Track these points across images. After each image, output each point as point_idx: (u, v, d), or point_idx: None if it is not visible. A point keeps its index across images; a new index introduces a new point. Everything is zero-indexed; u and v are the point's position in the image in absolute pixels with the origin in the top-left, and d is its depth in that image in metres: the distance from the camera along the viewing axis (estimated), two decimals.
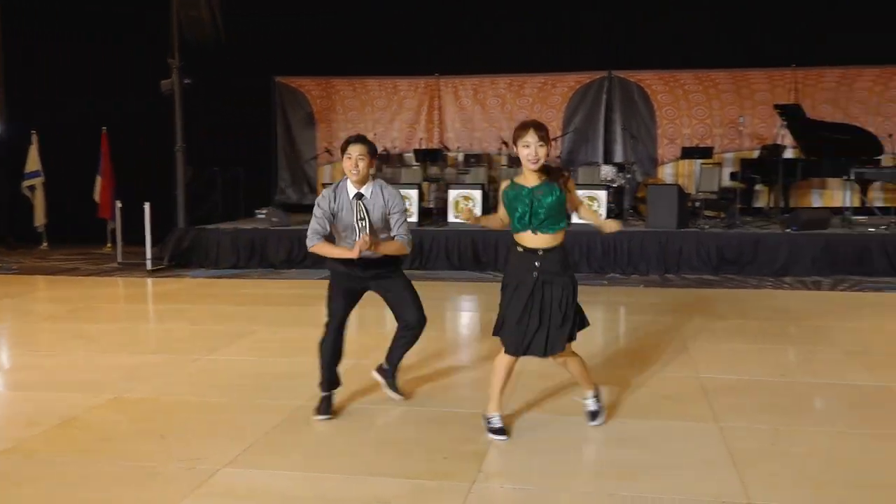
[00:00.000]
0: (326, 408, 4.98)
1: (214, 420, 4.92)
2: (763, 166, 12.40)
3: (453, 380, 5.89)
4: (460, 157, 14.42)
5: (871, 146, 11.81)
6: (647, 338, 7.06)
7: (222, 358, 6.40)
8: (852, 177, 11.34)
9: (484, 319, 8.34)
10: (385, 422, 4.84)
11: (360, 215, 4.82)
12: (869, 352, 6.41)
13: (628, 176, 12.69)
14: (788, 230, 10.71)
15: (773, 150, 12.65)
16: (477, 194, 11.57)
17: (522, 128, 4.40)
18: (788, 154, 12.95)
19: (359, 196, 4.85)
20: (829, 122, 12.94)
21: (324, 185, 12.57)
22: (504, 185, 4.57)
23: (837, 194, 13.19)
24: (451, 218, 11.63)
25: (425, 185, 13.57)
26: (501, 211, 4.60)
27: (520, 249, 4.46)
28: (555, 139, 13.85)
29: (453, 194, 11.69)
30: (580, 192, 11.35)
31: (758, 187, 13.27)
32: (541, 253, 4.42)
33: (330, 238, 4.93)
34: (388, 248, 4.88)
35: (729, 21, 13.83)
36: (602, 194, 11.29)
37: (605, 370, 5.98)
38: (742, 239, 10.67)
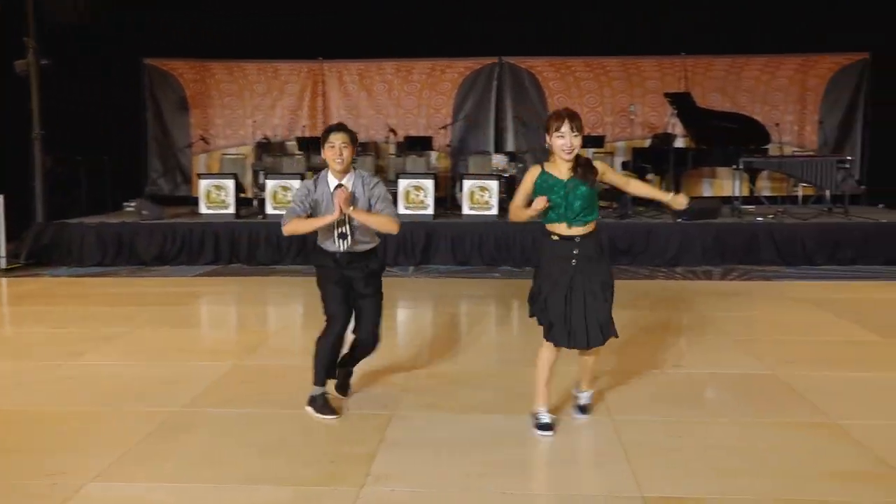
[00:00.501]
0: (327, 406, 4.93)
1: (80, 431, 4.74)
2: (654, 155, 12.80)
3: None
4: None
5: (759, 135, 12.36)
6: (537, 330, 7.17)
7: (89, 363, 6.18)
8: (741, 166, 11.84)
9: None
10: (270, 427, 4.78)
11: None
12: (758, 340, 6.73)
13: (520, 165, 12.88)
14: (679, 220, 11.10)
15: (664, 138, 13.08)
16: None
17: (557, 117, 4.43)
18: (679, 143, 13.41)
19: (339, 187, 4.85)
20: (718, 110, 13.48)
21: (199, 176, 12.27)
22: (535, 171, 4.55)
23: (727, 183, 13.75)
24: None
25: (309, 175, 13.43)
26: (522, 196, 4.54)
27: (555, 238, 4.53)
28: (444, 127, 13.94)
29: None
30: (470, 183, 11.49)
31: (649, 176, 13.68)
32: (577, 240, 4.50)
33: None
34: (373, 220, 4.83)
35: (619, 8, 14.21)
36: (494, 184, 11.43)
37: (500, 366, 6.06)
38: (634, 229, 11.00)
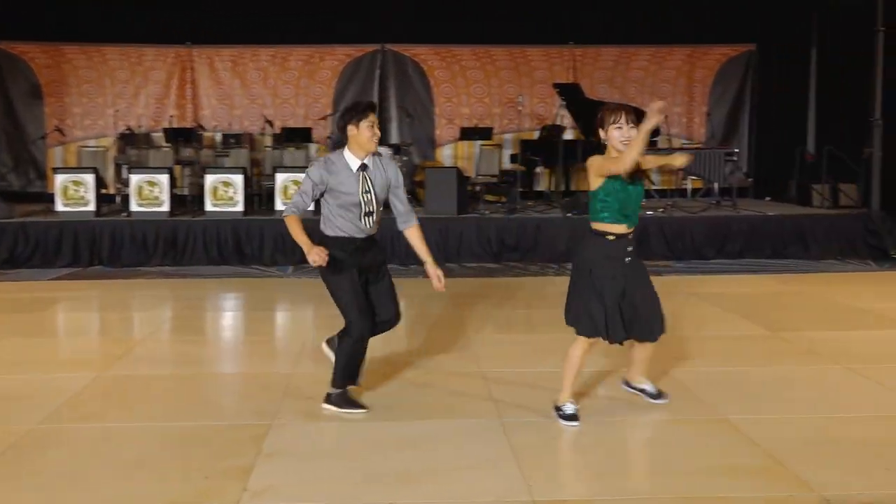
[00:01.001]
0: (351, 400, 5.00)
1: None
2: (543, 148, 13.03)
3: (211, 391, 5.75)
4: (218, 137, 14.06)
5: None
6: (427, 332, 7.23)
7: None
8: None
9: (255, 319, 8.20)
10: (137, 443, 4.64)
11: (366, 187, 4.90)
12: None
13: (405, 158, 12.91)
14: (569, 214, 11.34)
15: (553, 130, 13.33)
16: (238, 179, 11.32)
17: (615, 110, 4.73)
18: (568, 135, 13.70)
19: (363, 167, 4.89)
20: (606, 101, 13.79)
21: (55, 170, 11.81)
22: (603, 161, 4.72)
23: None
24: (208, 206, 11.31)
25: (177, 168, 13.10)
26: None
27: (611, 238, 4.75)
28: (324, 118, 13.83)
29: (210, 180, 11.37)
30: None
31: (538, 170, 13.94)
32: (630, 237, 4.79)
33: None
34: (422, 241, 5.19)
35: None
36: None
37: (384, 368, 6.06)
38: (523, 224, 11.18)
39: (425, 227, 11.23)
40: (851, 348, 6.54)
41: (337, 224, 4.97)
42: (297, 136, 13.48)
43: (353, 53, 14.65)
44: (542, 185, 14.06)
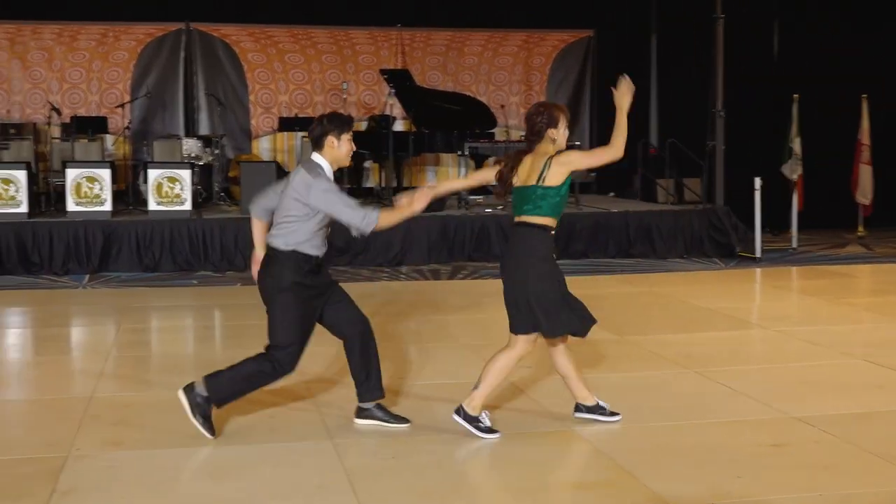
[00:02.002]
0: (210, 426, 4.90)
1: None
2: (372, 140, 13.07)
3: None
4: None
5: (484, 118, 12.98)
6: (246, 346, 7.11)
7: None
8: (466, 152, 12.38)
9: (46, 337, 7.85)
10: None
11: None
12: (492, 345, 7.07)
13: (217, 151, 12.66)
14: None
15: (382, 121, 13.39)
16: (21, 176, 10.79)
17: (564, 109, 5.16)
18: (399, 126, 13.79)
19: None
20: (440, 90, 14.00)
21: None
22: None
23: (452, 171, 14.33)
24: None
25: None
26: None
27: (553, 234, 5.09)
28: (121, 105, 13.37)
29: None
30: (157, 173, 11.13)
31: (367, 164, 13.97)
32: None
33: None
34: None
35: None
36: (186, 174, 11.14)
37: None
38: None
39: (242, 228, 11.12)
40: (700, 351, 6.90)
41: (301, 243, 4.89)
42: (89, 126, 12.98)
43: (154, 32, 14.24)
44: (372, 181, 14.11)
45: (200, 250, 10.72)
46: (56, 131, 13.11)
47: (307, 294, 4.92)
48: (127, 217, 11.05)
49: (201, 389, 4.89)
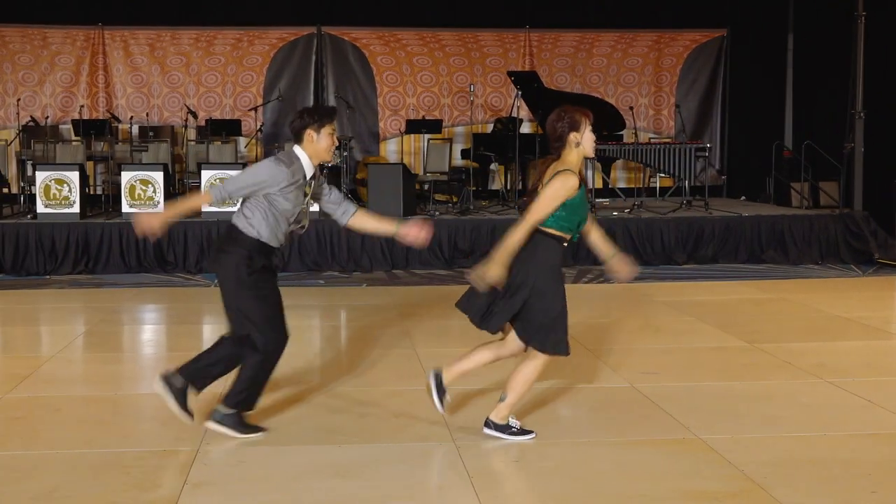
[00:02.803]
0: (249, 424, 5.04)
1: None
2: (498, 142, 13.09)
3: (129, 415, 5.68)
4: (135, 129, 13.88)
5: (612, 120, 12.85)
6: (372, 346, 7.21)
7: None
8: (593, 154, 12.25)
9: (179, 333, 8.10)
10: (44, 473, 4.55)
11: (304, 200, 4.99)
12: (614, 350, 7.00)
13: (345, 154, 12.87)
14: None
15: (509, 123, 13.39)
16: (158, 177, 11.20)
17: (586, 113, 4.88)
18: (525, 128, 13.76)
19: (313, 176, 5.01)
20: (567, 92, 13.92)
21: None
22: (573, 182, 4.78)
23: None
24: (125, 207, 11.17)
25: (90, 165, 12.92)
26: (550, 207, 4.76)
27: (565, 245, 4.95)
28: (254, 109, 13.74)
29: (127, 177, 11.23)
30: None
31: (493, 166, 13.99)
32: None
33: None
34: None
35: None
36: None
37: (324, 386, 6.03)
38: (477, 226, 11.21)
39: None
40: (834, 361, 6.67)
41: (266, 233, 4.90)
42: (223, 129, 13.37)
43: (287, 37, 14.57)
44: (497, 183, 14.12)
45: (328, 251, 10.91)
46: (192, 134, 13.57)
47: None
48: None
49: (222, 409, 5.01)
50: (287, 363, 7.01)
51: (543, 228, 4.85)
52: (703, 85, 15.17)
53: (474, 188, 12.73)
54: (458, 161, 13.71)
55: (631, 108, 14.17)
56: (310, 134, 4.92)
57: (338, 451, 4.82)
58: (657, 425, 5.23)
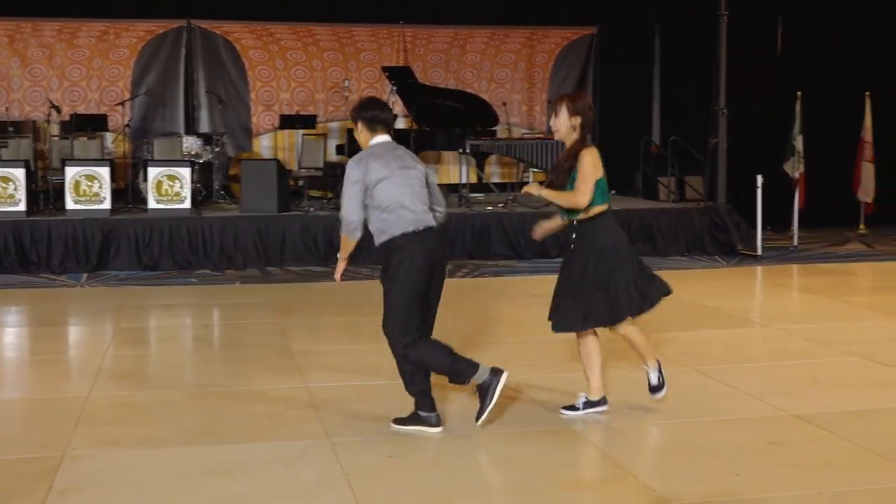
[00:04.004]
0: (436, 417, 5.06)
1: None
2: None
3: None
4: None
5: (486, 116, 12.98)
6: (246, 345, 7.13)
7: None
8: (468, 150, 12.38)
9: (43, 336, 7.86)
10: None
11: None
12: (493, 343, 7.08)
13: (217, 149, 12.66)
14: None
15: None
16: (20, 174, 10.80)
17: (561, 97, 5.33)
18: (400, 124, 13.78)
19: None
20: (441, 87, 13.98)
21: None
22: (597, 153, 5.31)
23: (453, 169, 14.30)
24: None
25: None
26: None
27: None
28: (121, 103, 13.37)
29: None
30: (157, 171, 11.14)
31: None
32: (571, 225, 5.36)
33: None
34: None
35: None
36: (185, 172, 11.15)
37: (197, 386, 5.95)
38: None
39: (241, 226, 11.16)
40: (700, 349, 6.90)
41: (400, 214, 5.16)
42: (89, 124, 12.98)
43: (155, 30, 14.22)
44: None
45: (200, 249, 10.72)
46: (55, 129, 13.11)
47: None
48: (126, 215, 11.05)
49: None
50: (158, 363, 6.92)
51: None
52: (573, 81, 15.44)
53: None
54: (333, 156, 13.64)
55: (504, 104, 14.33)
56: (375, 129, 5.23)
57: (212, 452, 4.76)
58: (532, 417, 5.32)
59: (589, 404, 5.30)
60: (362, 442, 4.90)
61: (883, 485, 4.29)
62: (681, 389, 5.89)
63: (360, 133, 5.23)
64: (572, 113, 5.26)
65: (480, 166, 13.61)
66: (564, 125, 5.30)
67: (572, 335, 5.39)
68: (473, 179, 13.42)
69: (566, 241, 5.36)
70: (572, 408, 5.31)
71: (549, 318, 5.29)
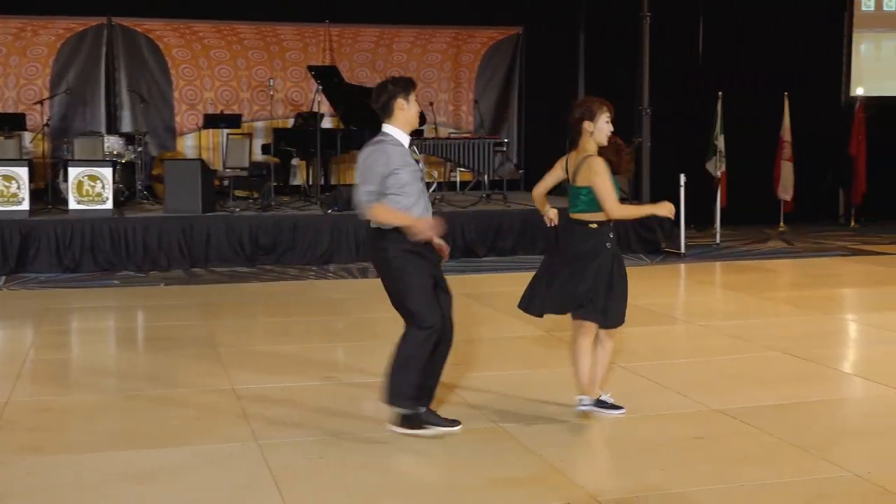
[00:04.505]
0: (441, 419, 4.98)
1: None
2: (299, 137, 12.97)
3: None
4: None
5: None
6: (171, 347, 7.04)
7: None
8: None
9: None
10: None
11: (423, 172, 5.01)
12: None
13: (140, 149, 12.48)
14: (330, 211, 11.38)
15: (310, 118, 13.31)
16: None
17: (605, 103, 5.31)
18: (327, 123, 13.72)
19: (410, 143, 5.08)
20: (368, 87, 13.93)
21: None
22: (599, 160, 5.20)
23: None
24: None
25: None
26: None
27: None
28: (40, 102, 13.09)
29: None
30: (78, 171, 10.93)
31: (294, 162, 13.89)
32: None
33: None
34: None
35: None
36: (107, 172, 10.96)
37: (121, 390, 5.86)
38: (279, 222, 11.10)
39: (165, 227, 11.00)
40: (624, 346, 6.98)
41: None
42: (6, 123, 12.69)
43: (75, 27, 13.95)
44: (299, 178, 14.02)
45: (123, 250, 10.55)
46: None
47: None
48: (46, 216, 10.83)
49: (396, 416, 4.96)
50: (81, 367, 6.80)
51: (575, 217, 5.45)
52: (500, 81, 15.53)
53: (276, 184, 12.58)
54: (258, 156, 13.52)
55: (431, 104, 14.35)
56: (401, 103, 5.06)
57: (137, 457, 4.69)
58: (459, 417, 5.33)
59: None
60: (291, 443, 4.87)
61: (802, 477, 4.40)
62: (608, 386, 5.97)
63: None
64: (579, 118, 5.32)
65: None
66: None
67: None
68: None
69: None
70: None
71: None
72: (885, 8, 15.41)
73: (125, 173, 12.24)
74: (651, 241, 12.02)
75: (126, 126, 13.92)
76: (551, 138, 14.43)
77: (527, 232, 11.78)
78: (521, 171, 14.65)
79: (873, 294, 9.53)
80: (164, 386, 5.99)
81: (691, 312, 8.77)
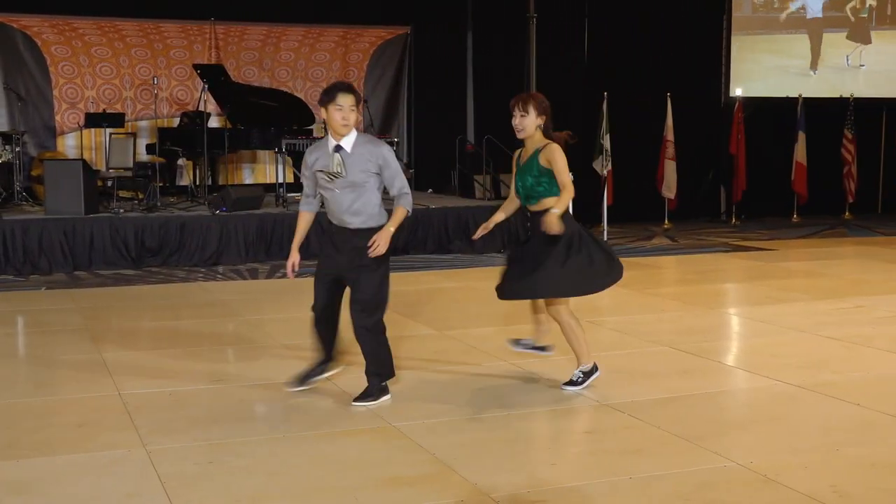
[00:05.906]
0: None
1: None
2: (185, 137, 12.76)
3: None
4: None
5: (302, 114, 12.89)
6: (52, 353, 6.84)
7: None
8: (283, 149, 12.26)
9: None
10: None
11: (338, 169, 5.26)
12: (307, 346, 7.02)
13: (18, 149, 12.09)
14: (217, 212, 11.21)
15: (196, 117, 13.09)
16: None
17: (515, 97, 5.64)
18: (214, 122, 13.52)
19: (337, 148, 5.27)
20: (256, 86, 13.81)
21: None
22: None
23: (270, 169, 14.15)
24: None
25: None
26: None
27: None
28: None
29: None
30: None
31: (181, 162, 13.64)
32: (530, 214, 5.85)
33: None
34: (396, 222, 5.54)
35: None
36: None
37: (6, 402, 5.67)
38: (165, 223, 10.89)
39: (46, 229, 10.66)
40: None
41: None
42: None
43: None
44: (186, 178, 13.78)
45: (1, 253, 10.21)
46: None
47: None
48: None
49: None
50: None
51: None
52: (389, 81, 15.53)
53: (161, 184, 12.34)
54: (143, 156, 13.25)
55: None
56: (326, 111, 5.39)
57: (15, 468, 4.53)
58: (350, 416, 5.31)
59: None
60: (179, 448, 4.77)
61: (689, 468, 4.50)
62: (497, 384, 6.03)
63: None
64: (539, 113, 5.64)
65: (297, 165, 13.48)
66: (533, 124, 5.65)
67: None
68: (290, 179, 13.31)
69: (525, 230, 5.98)
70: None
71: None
72: (761, 12, 15.93)
73: (2, 174, 11.87)
74: None
75: (3, 125, 13.49)
76: (442, 138, 14.54)
77: (418, 231, 11.81)
78: (411, 171, 14.66)
79: (754, 288, 9.83)
80: (45, 393, 5.81)
81: (578, 308, 8.82)
